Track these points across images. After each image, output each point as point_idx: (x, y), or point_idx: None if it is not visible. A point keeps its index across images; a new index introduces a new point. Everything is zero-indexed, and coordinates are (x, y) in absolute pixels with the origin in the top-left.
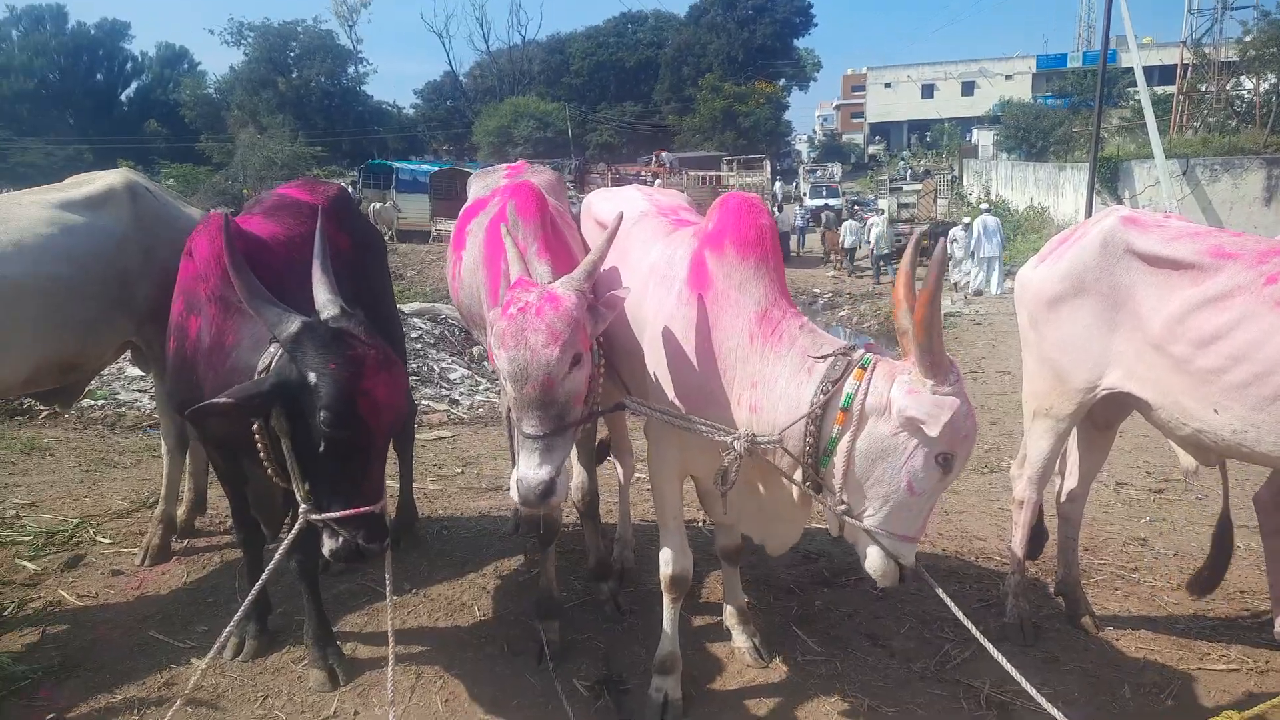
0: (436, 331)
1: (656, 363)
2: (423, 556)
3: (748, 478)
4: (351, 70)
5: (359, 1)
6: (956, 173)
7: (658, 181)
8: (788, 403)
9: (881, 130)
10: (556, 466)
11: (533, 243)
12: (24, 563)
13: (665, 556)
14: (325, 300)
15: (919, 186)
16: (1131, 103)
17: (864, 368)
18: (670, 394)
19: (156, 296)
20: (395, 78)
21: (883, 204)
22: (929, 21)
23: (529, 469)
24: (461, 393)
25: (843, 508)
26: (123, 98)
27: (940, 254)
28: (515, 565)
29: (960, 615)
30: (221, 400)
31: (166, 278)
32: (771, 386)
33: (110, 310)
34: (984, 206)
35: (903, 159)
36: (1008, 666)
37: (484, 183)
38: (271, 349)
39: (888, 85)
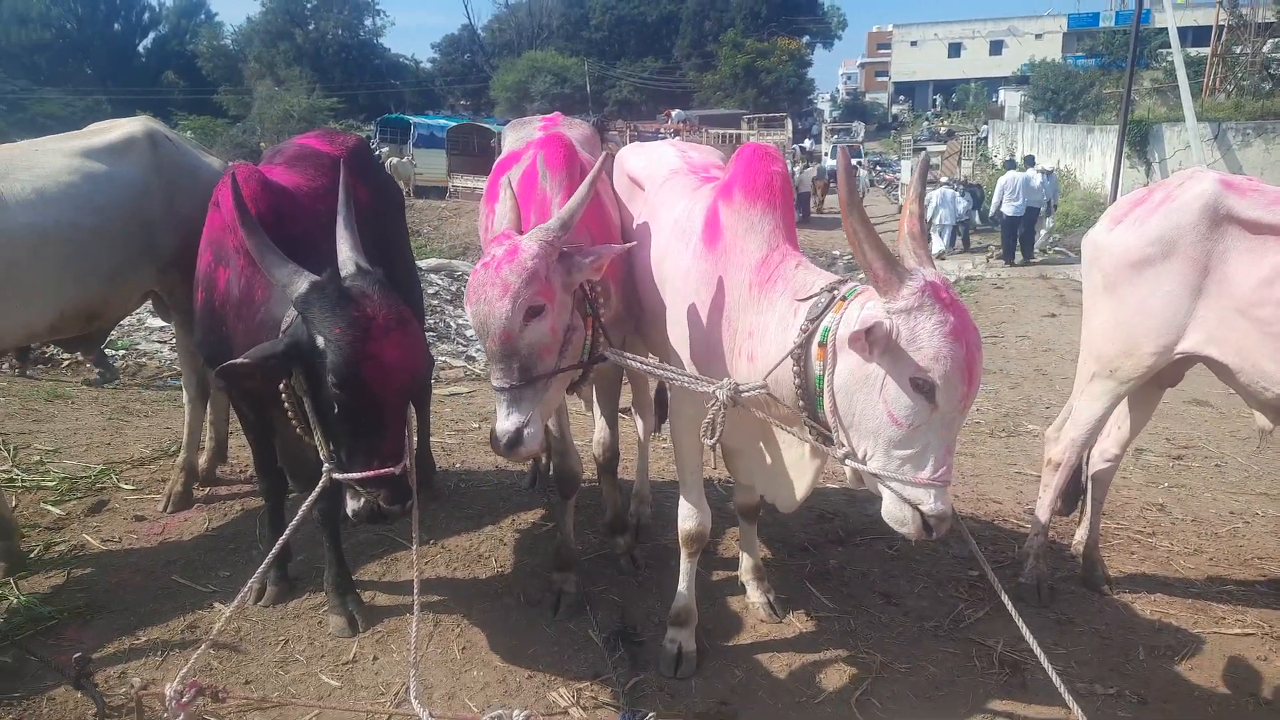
0: (454, 288)
1: (674, 320)
2: (440, 509)
3: (759, 432)
4: (369, 22)
5: None
6: (982, 134)
7: (679, 138)
8: (777, 347)
9: (906, 89)
10: (525, 418)
11: (558, 194)
12: (49, 507)
13: (684, 512)
14: (346, 257)
15: (943, 147)
16: (1164, 64)
17: (847, 300)
18: (685, 351)
19: (178, 245)
20: (413, 30)
21: (905, 165)
22: None
23: (498, 420)
24: (479, 349)
25: (843, 450)
26: (140, 48)
27: (844, 161)
28: (532, 519)
29: (988, 569)
30: (240, 361)
31: (188, 226)
32: (764, 333)
33: (133, 258)
34: (944, 179)
35: (927, 119)
36: (1022, 627)
37: (518, 135)
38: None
39: (914, 43)
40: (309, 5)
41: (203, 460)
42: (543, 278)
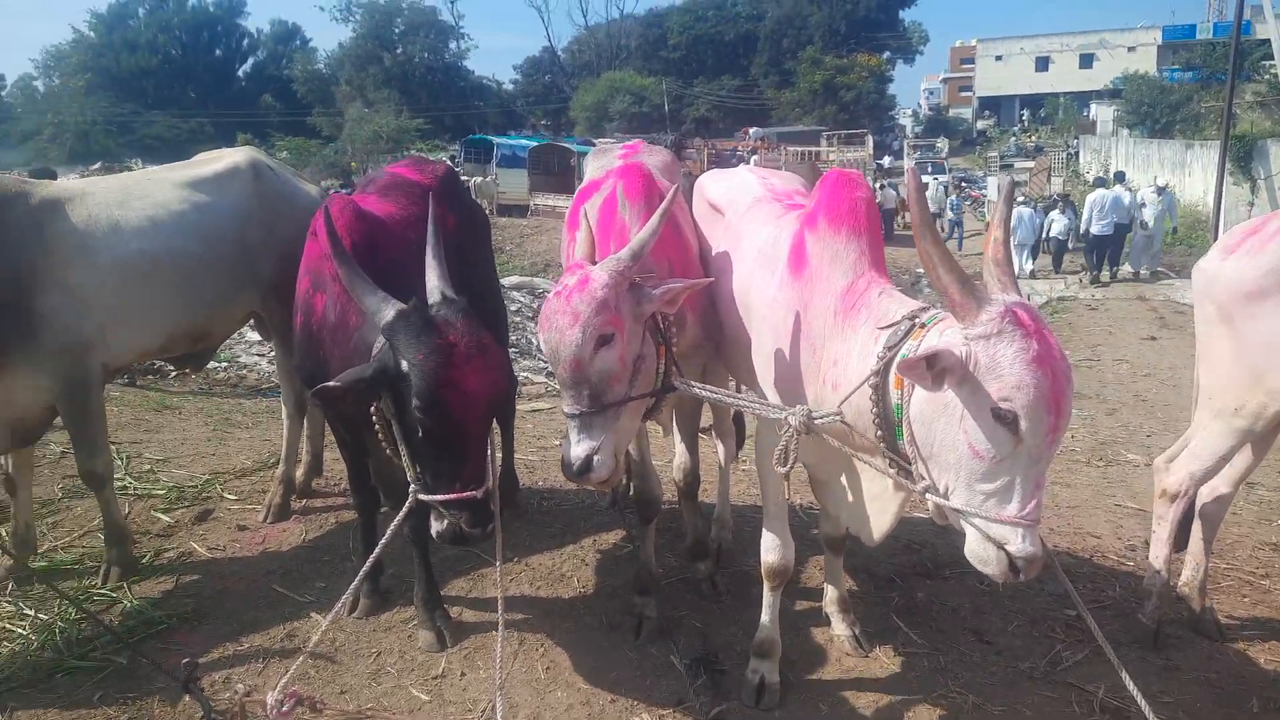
0: (535, 305)
1: (759, 349)
2: (523, 527)
3: (843, 463)
4: (453, 46)
5: None
6: (1072, 149)
7: (755, 157)
8: (858, 375)
9: (991, 104)
10: (595, 445)
11: (636, 223)
12: (159, 514)
13: (767, 544)
14: (433, 286)
15: (1031, 164)
16: (1267, 76)
17: (926, 327)
18: (770, 379)
19: (279, 270)
20: (495, 53)
21: (992, 181)
22: None
23: (568, 446)
24: None
25: (923, 484)
26: (240, 73)
27: (913, 182)
28: (613, 539)
29: (1084, 612)
30: (332, 385)
31: (287, 252)
32: (847, 362)
33: (237, 284)
34: (1020, 199)
35: (1014, 134)
36: (1124, 674)
37: (599, 163)
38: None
39: (999, 58)
40: (397, 30)
41: (300, 473)
42: (612, 307)
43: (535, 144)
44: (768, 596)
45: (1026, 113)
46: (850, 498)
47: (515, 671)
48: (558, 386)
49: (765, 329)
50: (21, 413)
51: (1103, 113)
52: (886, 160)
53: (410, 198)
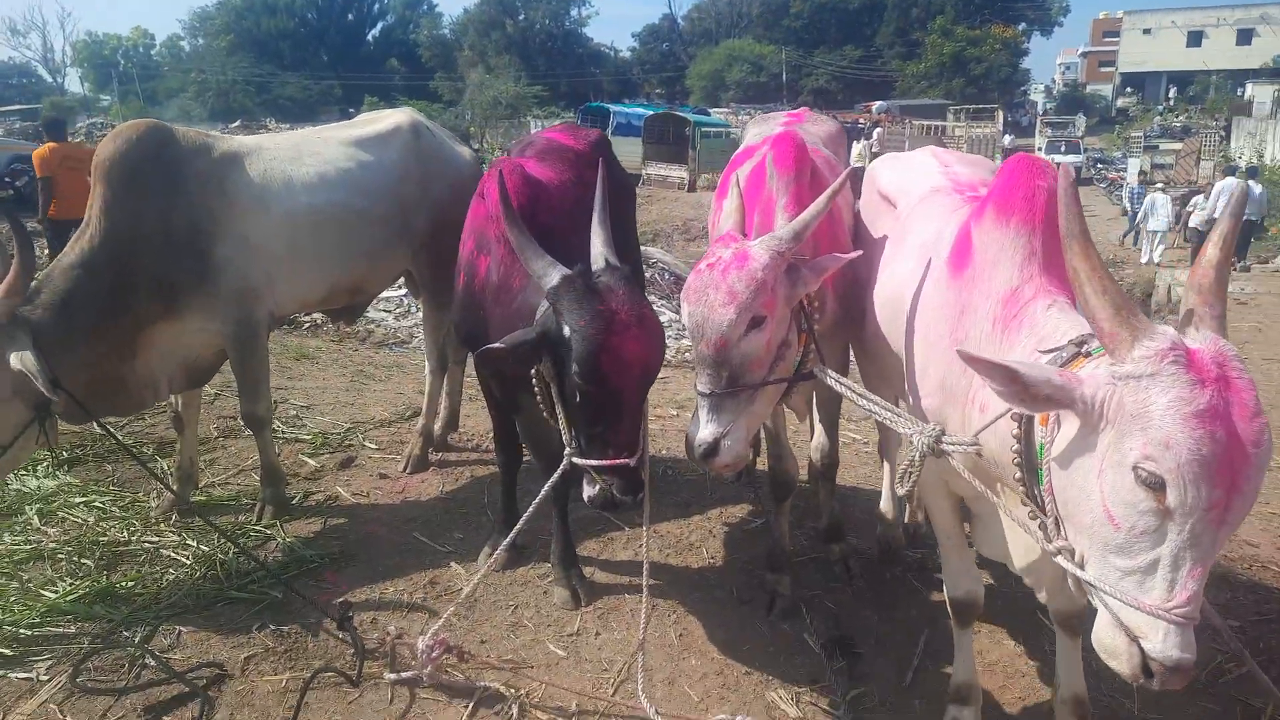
0: (646, 274)
1: (910, 353)
2: (649, 494)
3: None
4: (574, 13)
5: None
6: (1224, 132)
7: (878, 130)
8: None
9: (1135, 81)
10: (724, 429)
11: (784, 196)
12: (306, 459)
13: (949, 577)
14: (598, 252)
15: (1178, 145)
16: None
17: (1090, 357)
18: (918, 389)
19: (431, 227)
20: (615, 20)
21: (1133, 163)
22: None
23: (696, 426)
24: (670, 336)
25: (1058, 544)
26: (369, 37)
27: (1065, 183)
28: (740, 513)
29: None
30: (495, 346)
31: (440, 209)
32: None
33: (393, 239)
34: (1158, 186)
35: (1159, 113)
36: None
37: (758, 130)
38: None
39: (1146, 31)
40: None
41: (438, 427)
42: (769, 289)
43: (651, 113)
44: (958, 637)
45: (1174, 91)
46: (1012, 539)
47: (649, 635)
48: (672, 352)
49: (916, 332)
50: (195, 355)
51: (1260, 93)
52: (1008, 139)
53: (565, 163)
